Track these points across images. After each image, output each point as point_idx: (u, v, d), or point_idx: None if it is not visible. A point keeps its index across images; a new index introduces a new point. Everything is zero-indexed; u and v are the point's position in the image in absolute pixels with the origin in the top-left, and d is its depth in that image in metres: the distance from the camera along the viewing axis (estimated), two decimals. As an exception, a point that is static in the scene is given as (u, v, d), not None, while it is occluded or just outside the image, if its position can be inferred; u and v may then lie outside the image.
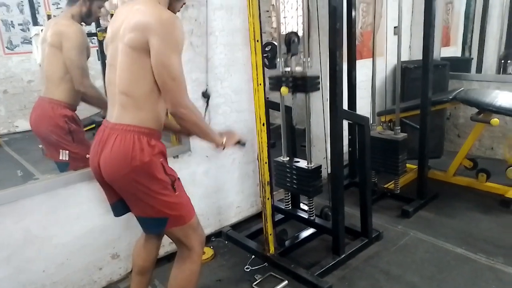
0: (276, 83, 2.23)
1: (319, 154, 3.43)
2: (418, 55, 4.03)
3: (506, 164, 3.00)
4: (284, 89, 2.18)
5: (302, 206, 2.78)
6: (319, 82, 2.16)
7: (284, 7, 5.10)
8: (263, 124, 2.10)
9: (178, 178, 1.59)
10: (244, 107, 2.68)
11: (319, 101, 2.91)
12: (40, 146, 2.40)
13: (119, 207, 1.66)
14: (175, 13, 1.58)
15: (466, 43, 5.60)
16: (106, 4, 2.38)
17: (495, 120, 2.59)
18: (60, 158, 2.27)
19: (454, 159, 3.26)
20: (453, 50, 4.61)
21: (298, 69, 2.17)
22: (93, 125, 3.80)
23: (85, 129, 2.78)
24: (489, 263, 2.22)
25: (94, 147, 1.55)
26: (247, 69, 2.64)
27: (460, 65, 4.04)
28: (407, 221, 2.74)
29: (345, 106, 3.00)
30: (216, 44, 2.46)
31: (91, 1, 2.17)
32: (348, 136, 3.25)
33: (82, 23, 2.22)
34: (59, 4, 5.61)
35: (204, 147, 2.50)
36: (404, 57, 4.02)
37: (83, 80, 2.16)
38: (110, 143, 1.47)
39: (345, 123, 3.18)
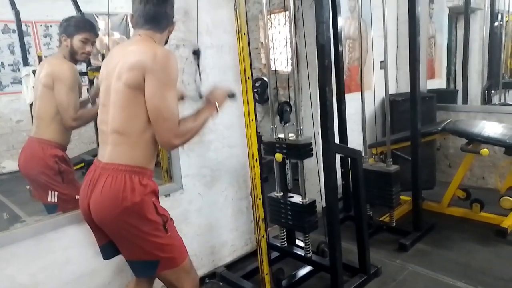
0: (270, 150, 2.29)
1: (313, 188, 3.40)
2: (404, 88, 4.12)
3: (498, 193, 3.00)
4: (278, 156, 2.24)
5: (298, 242, 2.72)
6: (312, 149, 2.21)
7: (273, 44, 5.24)
8: (256, 160, 2.08)
9: (171, 218, 1.55)
10: (236, 142, 2.68)
11: (311, 135, 2.93)
12: (28, 187, 2.34)
13: (109, 249, 1.61)
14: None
15: (450, 75, 5.79)
16: (97, 43, 2.40)
17: (485, 150, 2.62)
18: (49, 200, 2.21)
19: (447, 189, 3.26)
20: (439, 82, 4.73)
21: (292, 135, 2.23)
22: (82, 164, 3.76)
23: (74, 168, 2.73)
24: (490, 297, 2.18)
25: (84, 188, 1.51)
26: (238, 104, 2.64)
27: (446, 96, 4.13)
28: (405, 254, 2.69)
29: (336, 139, 3.04)
30: (208, 81, 2.48)
31: (71, 36, 2.14)
32: (341, 169, 3.24)
33: (76, 62, 2.22)
34: (49, 44, 5.68)
35: (196, 184, 2.48)
36: (391, 90, 4.09)
37: (72, 116, 2.13)
38: (100, 184, 1.44)
39: (338, 156, 3.20)
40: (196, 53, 2.20)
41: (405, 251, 2.72)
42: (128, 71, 1.43)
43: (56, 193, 2.21)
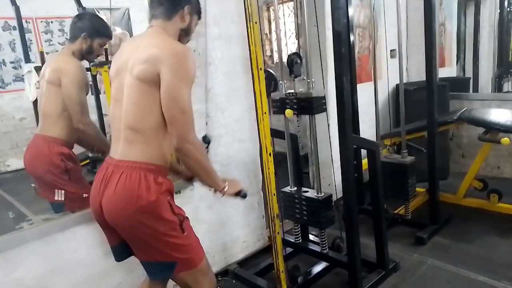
0: (280, 106, 2.15)
1: (324, 181, 3.32)
2: (415, 77, 4.03)
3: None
4: (289, 112, 2.10)
5: (312, 237, 2.65)
6: (325, 103, 2.09)
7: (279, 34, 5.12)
8: (270, 154, 2.00)
9: (187, 217, 1.48)
10: (246, 136, 2.59)
11: (323, 126, 2.84)
12: (33, 185, 2.28)
13: (121, 250, 1.53)
14: None
15: (459, 63, 5.66)
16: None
17: (505, 140, 2.52)
18: (56, 198, 2.14)
19: (461, 180, 3.17)
20: (449, 71, 4.62)
21: (302, 90, 2.11)
22: (87, 161, 3.69)
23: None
24: (515, 291, 2.10)
25: (96, 186, 1.43)
26: (248, 97, 2.57)
27: (458, 85, 4.02)
28: (423, 248, 2.61)
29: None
30: (216, 74, 2.39)
31: (92, 38, 2.10)
32: (354, 161, 3.16)
33: (84, 59, 2.16)
34: (51, 41, 5.59)
35: (207, 180, 2.40)
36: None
37: (82, 117, 2.07)
38: (113, 182, 1.36)
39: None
40: (206, 141, 2.21)
41: (423, 244, 2.64)
42: (142, 64, 1.35)
43: (63, 191, 2.14)
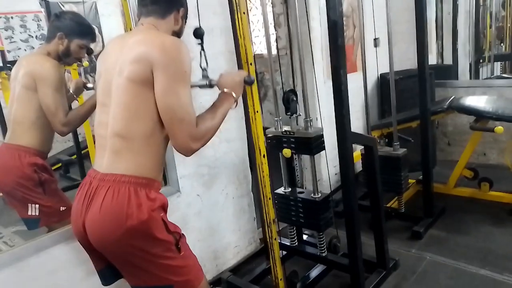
0: (276, 145, 2.07)
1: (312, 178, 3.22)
2: (398, 66, 3.95)
3: (509, 171, 2.88)
4: (286, 151, 2.02)
5: (305, 237, 2.53)
6: (323, 141, 2.01)
7: (254, 26, 4.96)
8: (264, 156, 1.85)
9: (183, 234, 1.32)
10: (233, 135, 2.44)
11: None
12: (0, 194, 2.05)
13: (109, 274, 1.37)
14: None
15: (437, 50, 5.65)
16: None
17: (499, 128, 2.47)
18: (29, 213, 1.92)
19: (448, 168, 3.14)
20: (429, 58, 4.57)
21: (299, 128, 2.03)
22: (59, 164, 3.44)
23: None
24: (519, 284, 2.05)
25: (78, 204, 1.25)
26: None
27: (441, 72, 3.98)
28: (420, 243, 2.54)
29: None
30: (199, 70, 2.21)
31: (70, 39, 1.88)
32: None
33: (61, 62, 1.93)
34: (12, 38, 5.21)
35: (194, 185, 2.24)
36: (385, 69, 3.92)
37: (63, 120, 1.85)
38: (99, 199, 1.19)
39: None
40: (199, 34, 1.65)
41: (419, 239, 2.57)
42: (132, 64, 1.19)
43: (37, 206, 1.93)
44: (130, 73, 1.19)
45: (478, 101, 2.82)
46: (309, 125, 1.97)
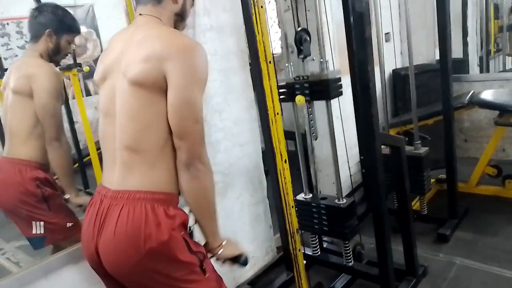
0: (288, 92, 1.85)
1: (327, 180, 3.09)
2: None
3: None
4: (300, 98, 1.80)
5: (325, 244, 2.40)
6: (341, 86, 1.81)
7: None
8: (285, 161, 1.72)
9: (206, 254, 1.18)
10: (246, 139, 2.30)
11: (322, 119, 2.60)
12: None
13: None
14: None
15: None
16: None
17: (528, 123, 2.34)
18: (34, 232, 1.79)
19: (465, 165, 3.00)
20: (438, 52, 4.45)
21: (313, 72, 1.83)
22: (77, 164, 3.28)
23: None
24: (558, 289, 1.92)
25: (89, 226, 1.12)
26: (247, 95, 2.28)
27: (455, 66, 3.85)
28: (447, 246, 2.41)
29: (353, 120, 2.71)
30: (210, 71, 2.07)
31: (59, 35, 1.74)
32: (360, 156, 2.92)
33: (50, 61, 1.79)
34: (9, 45, 5.07)
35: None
36: (397, 64, 3.79)
37: (58, 134, 1.72)
38: (112, 220, 1.05)
39: (353, 137, 2.88)
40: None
41: (446, 242, 2.44)
42: (140, 64, 1.05)
43: (42, 223, 1.79)
44: (138, 75, 1.04)
45: (500, 95, 2.69)
46: (325, 67, 1.80)
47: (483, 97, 2.68)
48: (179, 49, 1.05)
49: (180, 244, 1.09)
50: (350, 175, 3.22)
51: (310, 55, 1.83)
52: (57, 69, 1.83)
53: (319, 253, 2.14)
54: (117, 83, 1.11)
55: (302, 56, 1.82)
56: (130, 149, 1.08)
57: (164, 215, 1.07)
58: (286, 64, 1.90)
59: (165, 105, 1.06)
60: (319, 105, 1.96)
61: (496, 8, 5.30)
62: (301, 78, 1.82)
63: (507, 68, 5.01)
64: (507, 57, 4.86)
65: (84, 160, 2.58)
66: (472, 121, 3.55)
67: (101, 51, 3.20)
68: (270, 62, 1.61)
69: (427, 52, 3.79)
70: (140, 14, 1.17)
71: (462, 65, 4.16)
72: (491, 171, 2.89)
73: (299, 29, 1.81)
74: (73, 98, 2.86)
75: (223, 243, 1.22)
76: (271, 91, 1.63)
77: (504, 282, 2.03)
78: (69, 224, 1.84)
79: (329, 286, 2.11)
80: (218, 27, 2.10)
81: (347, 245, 1.98)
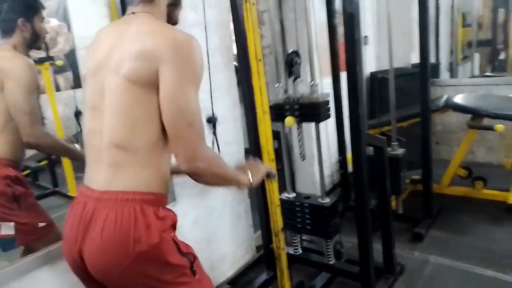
0: (277, 113, 1.88)
1: (307, 179, 3.11)
2: (387, 65, 3.91)
3: (497, 169, 2.88)
4: (290, 120, 1.83)
5: (305, 244, 2.41)
6: (330, 108, 1.86)
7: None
8: (272, 160, 1.71)
9: (196, 255, 1.15)
10: (230, 138, 2.28)
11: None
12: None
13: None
14: (174, 25, 1.21)
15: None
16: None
17: (500, 126, 2.44)
18: (3, 233, 1.67)
19: (437, 167, 3.08)
20: (414, 56, 4.59)
21: (304, 93, 1.85)
22: (27, 171, 3.14)
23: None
24: (527, 285, 2.02)
25: (72, 229, 1.05)
26: (231, 92, 2.26)
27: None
28: (422, 245, 2.47)
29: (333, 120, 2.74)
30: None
31: (32, 21, 1.64)
32: (339, 157, 2.97)
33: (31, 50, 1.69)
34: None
35: (191, 193, 2.07)
36: (373, 67, 3.87)
37: (33, 129, 1.62)
38: (98, 223, 1.00)
39: (333, 140, 2.91)
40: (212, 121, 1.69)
41: (421, 241, 2.51)
42: (134, 60, 0.99)
43: (11, 224, 1.68)
44: (131, 72, 1.00)
45: (473, 99, 2.80)
46: (315, 89, 1.82)
47: (457, 101, 2.77)
48: (172, 45, 1.00)
49: (171, 246, 1.05)
50: (325, 176, 3.25)
51: (300, 76, 1.85)
52: (32, 61, 1.73)
53: (300, 252, 2.14)
54: (107, 79, 1.05)
55: (292, 77, 1.83)
56: (120, 147, 1.03)
57: (154, 216, 1.02)
58: (276, 85, 1.91)
59: (156, 100, 1.01)
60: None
61: (463, 16, 5.53)
62: (291, 99, 1.83)
63: (475, 73, 5.23)
64: (474, 63, 5.07)
65: (53, 156, 2.47)
66: (443, 124, 3.68)
67: (73, 45, 3.06)
68: (260, 60, 1.59)
69: (403, 56, 3.89)
70: (132, 13, 1.12)
71: (434, 70, 4.30)
72: (462, 173, 2.99)
73: (290, 51, 1.82)
74: (43, 93, 2.73)
75: (250, 176, 1.28)
76: (260, 89, 1.61)
77: (476, 279, 2.10)
78: (41, 224, 1.75)
79: (310, 284, 2.11)
80: (203, 23, 2.06)
81: (329, 243, 2.00)
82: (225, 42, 2.16)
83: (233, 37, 2.09)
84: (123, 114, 1.02)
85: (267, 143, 1.68)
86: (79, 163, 2.43)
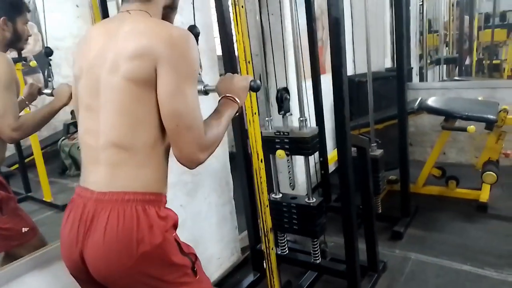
0: (268, 146, 1.94)
1: (286, 181, 3.15)
2: (363, 69, 4.03)
3: (474, 168, 3.02)
4: (280, 153, 1.91)
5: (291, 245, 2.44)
6: (318, 142, 1.96)
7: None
8: (261, 161, 1.73)
9: (196, 256, 1.16)
10: (215, 140, 2.28)
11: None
12: None
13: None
14: None
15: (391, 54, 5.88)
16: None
17: (472, 128, 2.57)
18: (-17, 239, 1.63)
19: (412, 168, 3.21)
20: (386, 61, 4.74)
21: (293, 128, 1.93)
22: (16, 165, 3.01)
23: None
24: (500, 277, 2.12)
25: (71, 231, 1.04)
26: (215, 95, 2.26)
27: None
28: (401, 243, 2.56)
29: (313, 123, 2.81)
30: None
31: (14, 21, 1.60)
32: (320, 158, 3.02)
33: (9, 50, 1.65)
34: None
35: (177, 195, 2.06)
36: (350, 71, 3.97)
37: (12, 125, 1.58)
38: (100, 225, 0.99)
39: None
40: (193, 34, 1.16)
41: (400, 239, 2.60)
42: (131, 60, 0.98)
43: (-7, 229, 1.64)
44: (129, 72, 0.99)
45: (446, 102, 2.93)
46: (304, 124, 1.88)
47: (431, 104, 2.90)
48: (168, 43, 0.99)
49: (173, 246, 1.05)
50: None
51: (289, 111, 1.91)
52: (9, 57, 1.68)
53: (287, 251, 2.17)
54: (102, 78, 1.03)
55: (282, 112, 1.90)
56: (119, 147, 1.02)
57: (156, 216, 1.02)
58: (266, 118, 1.98)
59: (154, 99, 1.00)
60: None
61: (429, 22, 5.78)
62: (282, 133, 1.91)
63: (443, 77, 5.47)
64: (443, 67, 5.29)
65: (26, 161, 2.39)
66: (417, 126, 3.82)
67: (43, 46, 2.99)
68: (249, 62, 1.62)
69: (377, 61, 4.01)
70: (127, 11, 1.10)
71: (407, 74, 4.46)
72: (437, 173, 3.12)
73: (280, 88, 1.88)
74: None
75: (237, 99, 1.20)
76: (249, 93, 1.64)
77: (453, 274, 2.20)
78: (24, 229, 1.69)
79: (297, 284, 2.15)
80: (188, 24, 2.07)
81: (316, 242, 2.04)
82: (209, 45, 2.18)
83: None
84: (121, 114, 1.01)
85: (256, 144, 1.71)
86: (52, 167, 2.38)
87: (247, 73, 1.63)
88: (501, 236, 2.52)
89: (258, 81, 1.29)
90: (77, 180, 1.13)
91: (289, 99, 1.90)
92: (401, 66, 2.50)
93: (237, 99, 1.21)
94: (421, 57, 5.28)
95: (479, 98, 3.09)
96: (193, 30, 1.27)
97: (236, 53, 1.90)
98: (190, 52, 1.03)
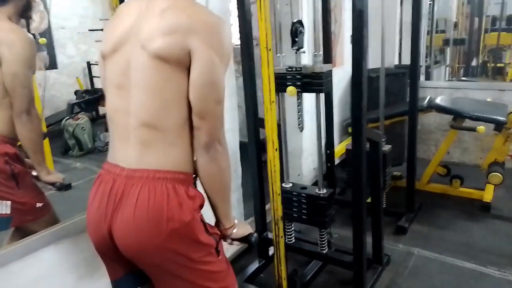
0: (279, 83, 1.85)
1: (292, 172, 3.17)
2: (373, 64, 4.03)
3: (479, 169, 3.05)
4: (291, 89, 1.83)
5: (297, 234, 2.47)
6: (332, 80, 1.90)
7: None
8: (276, 150, 1.74)
9: (220, 236, 1.18)
10: (227, 126, 2.27)
11: (292, 112, 2.67)
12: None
13: (128, 283, 1.17)
14: None
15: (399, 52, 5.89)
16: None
17: (481, 128, 2.59)
18: (-1, 212, 1.64)
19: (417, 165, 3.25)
20: (395, 59, 4.74)
21: (306, 64, 1.87)
22: (19, 143, 3.00)
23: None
24: (503, 276, 2.16)
25: (100, 207, 1.05)
26: (229, 82, 2.25)
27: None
28: (405, 238, 2.59)
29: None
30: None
31: None
32: (326, 150, 3.04)
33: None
34: None
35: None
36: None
37: (29, 105, 1.59)
38: (131, 200, 1.00)
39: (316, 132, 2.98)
40: None
41: (404, 234, 2.63)
42: (164, 36, 0.98)
43: (8, 202, 1.64)
44: (163, 48, 0.99)
45: (455, 101, 2.94)
46: (318, 60, 1.85)
47: (440, 102, 2.91)
48: (206, 23, 1.01)
49: (200, 225, 1.07)
50: (312, 168, 3.32)
51: (303, 47, 1.86)
52: (31, 35, 1.68)
53: (294, 240, 2.20)
54: (134, 56, 1.04)
55: (295, 47, 1.84)
56: (149, 126, 1.03)
57: (186, 195, 1.04)
58: (278, 54, 1.92)
59: (186, 82, 1.01)
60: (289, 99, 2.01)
61: (437, 22, 5.77)
62: (294, 69, 1.84)
63: (446, 77, 5.48)
64: (447, 68, 5.30)
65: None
66: (422, 124, 3.83)
67: (48, 24, 2.97)
68: (270, 49, 1.62)
69: (387, 57, 4.01)
70: None
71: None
72: (441, 171, 3.15)
73: (295, 21, 1.83)
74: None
75: (235, 222, 1.21)
76: (269, 79, 1.64)
77: (457, 270, 2.23)
78: (39, 205, 1.71)
79: (302, 272, 2.17)
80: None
81: (323, 233, 2.06)
82: (227, 31, 2.17)
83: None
84: (152, 93, 1.01)
85: (272, 133, 1.71)
86: (54, 146, 2.37)
87: (268, 62, 1.63)
88: (504, 236, 2.55)
89: (256, 238, 1.27)
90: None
91: (303, 33, 1.86)
92: (415, 63, 2.50)
93: (234, 224, 1.22)
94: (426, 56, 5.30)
95: (488, 100, 3.11)
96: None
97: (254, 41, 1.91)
98: (225, 38, 1.05)
